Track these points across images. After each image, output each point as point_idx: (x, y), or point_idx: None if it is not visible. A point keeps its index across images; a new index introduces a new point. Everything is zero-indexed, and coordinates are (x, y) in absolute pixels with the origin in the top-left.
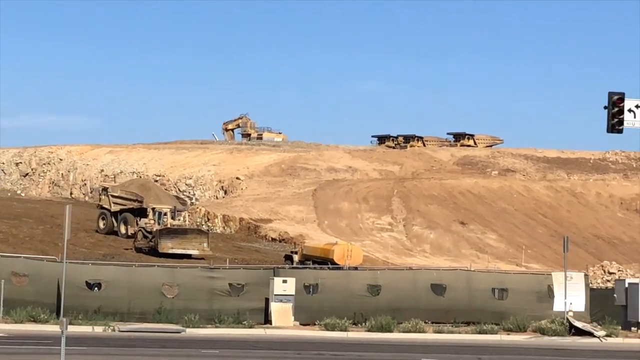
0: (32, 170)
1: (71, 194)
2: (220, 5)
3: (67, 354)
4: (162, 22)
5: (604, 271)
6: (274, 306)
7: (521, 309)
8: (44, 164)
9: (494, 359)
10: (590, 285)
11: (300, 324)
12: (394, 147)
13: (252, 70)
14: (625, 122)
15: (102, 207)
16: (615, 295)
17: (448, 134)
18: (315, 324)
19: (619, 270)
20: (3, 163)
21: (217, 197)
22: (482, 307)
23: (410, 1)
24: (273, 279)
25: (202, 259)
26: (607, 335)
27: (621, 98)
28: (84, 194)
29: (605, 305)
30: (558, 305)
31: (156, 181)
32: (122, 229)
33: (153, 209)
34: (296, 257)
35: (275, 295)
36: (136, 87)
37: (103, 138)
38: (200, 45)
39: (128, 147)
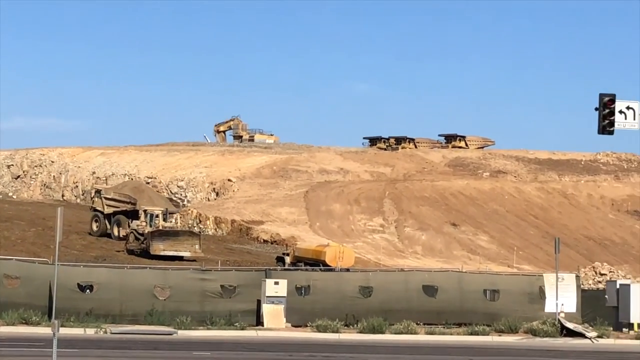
0: (23, 172)
1: (63, 196)
2: (212, 8)
3: (58, 356)
4: (155, 24)
5: (595, 272)
6: (265, 308)
7: (513, 310)
8: (36, 166)
9: None
10: (582, 286)
11: (292, 326)
12: (385, 149)
13: (244, 72)
14: (616, 124)
15: (95, 210)
16: (606, 296)
17: (439, 135)
18: (307, 326)
19: (610, 272)
20: None
21: (208, 199)
22: (473, 309)
23: (403, 3)
24: (265, 280)
25: (194, 260)
26: (598, 337)
27: (612, 99)
28: (75, 196)
29: (597, 307)
30: (549, 307)
31: (148, 183)
32: (116, 232)
33: (145, 211)
34: (288, 259)
35: (267, 297)
36: (128, 89)
37: (95, 140)
38: (191, 47)
39: (120, 149)
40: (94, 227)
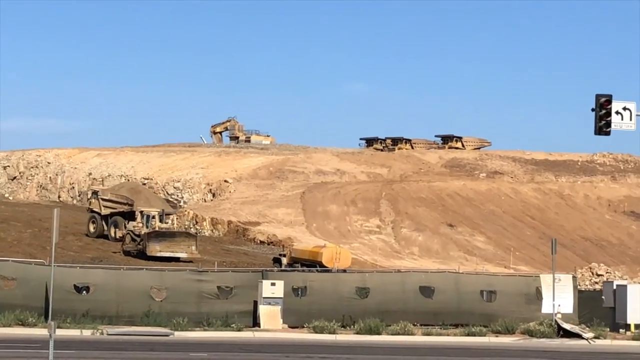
0: (20, 173)
1: (59, 197)
2: (208, 9)
3: (55, 357)
4: (152, 25)
5: (592, 273)
6: (262, 309)
7: (509, 311)
8: (32, 167)
9: None
10: (579, 287)
11: (289, 327)
12: (382, 150)
13: (240, 73)
14: (612, 124)
15: (92, 211)
16: (603, 297)
17: (436, 136)
18: (303, 327)
19: (607, 272)
20: None
21: (205, 200)
22: (470, 310)
23: (399, 3)
24: (261, 281)
25: (191, 262)
26: (595, 337)
27: (608, 100)
28: (72, 198)
29: (594, 307)
30: (546, 307)
31: (144, 184)
32: (113, 233)
33: (141, 212)
34: (285, 260)
35: (263, 298)
36: (124, 90)
37: (91, 141)
38: (187, 48)
39: (116, 150)
40: (91, 229)
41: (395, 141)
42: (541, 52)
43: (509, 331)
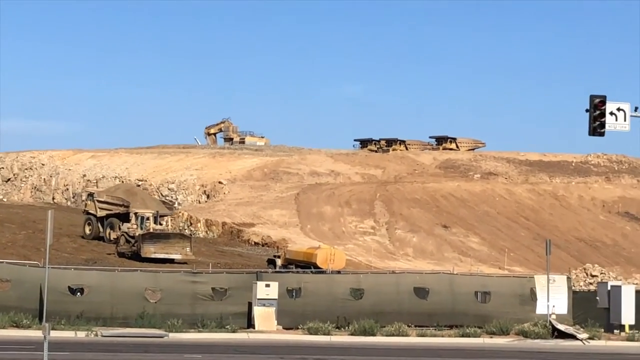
0: (14, 175)
1: (53, 199)
2: (202, 10)
3: (49, 359)
4: (146, 27)
5: (587, 274)
6: (257, 310)
7: (504, 312)
8: (26, 169)
9: None
10: (573, 288)
11: (284, 328)
12: (376, 151)
13: (235, 75)
14: (607, 125)
15: (88, 213)
16: (597, 297)
17: (430, 137)
18: (298, 328)
19: (601, 273)
20: None
21: (199, 202)
22: (465, 311)
23: (394, 5)
24: (256, 283)
25: (185, 263)
26: (589, 338)
27: (603, 101)
28: (66, 199)
29: (588, 308)
30: (541, 308)
31: (138, 186)
32: (109, 235)
33: (135, 213)
34: (279, 261)
35: (258, 299)
36: (118, 91)
37: (85, 143)
38: (181, 50)
39: (110, 151)
40: (87, 231)
41: (390, 142)
42: (535, 53)
43: (504, 332)
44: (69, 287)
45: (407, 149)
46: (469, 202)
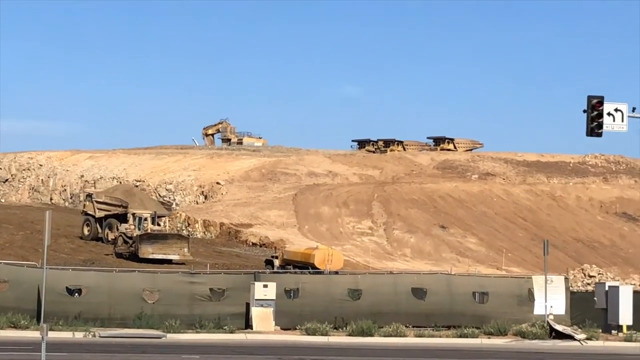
0: (11, 176)
1: (51, 199)
2: (200, 10)
3: (47, 359)
4: (143, 28)
5: (584, 274)
6: (254, 311)
7: (502, 313)
8: (24, 169)
9: None
10: (571, 288)
11: (281, 329)
12: (374, 152)
13: (232, 75)
14: (604, 126)
15: (86, 214)
16: (595, 298)
17: (428, 138)
18: (296, 329)
19: (599, 274)
20: None
21: (197, 202)
22: (462, 311)
23: (391, 6)
24: (254, 283)
25: (183, 264)
26: (587, 339)
27: (600, 101)
28: (64, 200)
29: (586, 309)
30: (538, 309)
31: (136, 186)
32: (108, 235)
33: (133, 214)
34: (277, 262)
35: (256, 300)
36: (116, 92)
37: (83, 144)
38: (179, 51)
39: (108, 152)
40: (86, 231)
41: (387, 143)
42: (533, 54)
43: (501, 333)
44: (66, 287)
45: (404, 149)
46: (466, 203)
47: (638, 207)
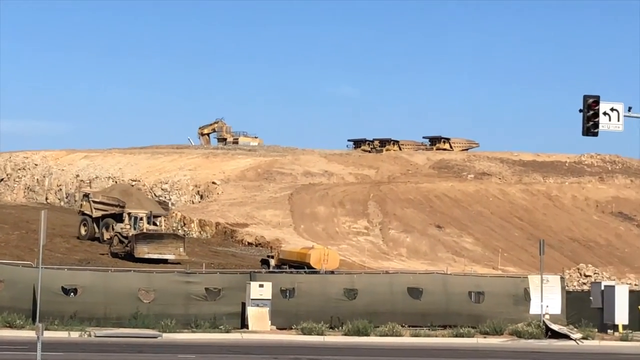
0: (7, 175)
1: (46, 199)
2: (195, 11)
3: (43, 359)
4: (138, 27)
5: (580, 274)
6: (250, 310)
7: (497, 312)
8: (19, 169)
9: None
10: (567, 288)
11: (277, 328)
12: (369, 151)
13: (228, 75)
14: (600, 125)
15: (83, 214)
16: (591, 298)
17: (424, 137)
18: (292, 328)
19: (595, 273)
20: None
21: (193, 202)
22: (458, 311)
23: (386, 6)
24: (249, 283)
25: (179, 263)
26: (583, 338)
27: (596, 101)
28: (59, 199)
29: (582, 308)
30: (534, 308)
31: (132, 186)
32: (104, 235)
33: (129, 213)
34: (272, 262)
35: (251, 299)
36: (111, 91)
37: (78, 143)
38: (175, 49)
39: (103, 152)
40: (82, 231)
41: (383, 142)
42: (529, 54)
43: (497, 332)
44: (62, 287)
45: (400, 149)
46: (462, 203)
47: (634, 207)
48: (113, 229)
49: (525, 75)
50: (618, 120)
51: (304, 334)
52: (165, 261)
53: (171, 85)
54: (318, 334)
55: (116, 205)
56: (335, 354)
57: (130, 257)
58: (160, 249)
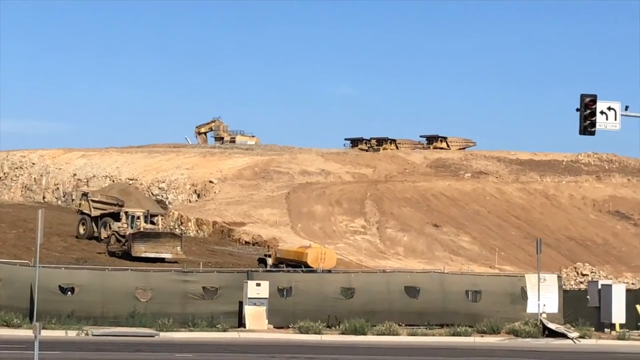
0: (4, 174)
1: (44, 198)
2: (193, 9)
3: (40, 358)
4: (136, 27)
5: (577, 273)
6: (247, 309)
7: (495, 311)
8: (17, 168)
9: None
10: (564, 286)
11: (274, 327)
12: (367, 150)
13: (225, 74)
14: (597, 124)
15: (82, 213)
16: (588, 296)
17: (421, 136)
18: (289, 327)
19: (591, 272)
20: None
21: (190, 201)
22: (455, 310)
23: (384, 5)
24: (247, 282)
25: (176, 262)
26: (580, 337)
27: (593, 100)
28: (56, 198)
29: (579, 307)
30: (531, 307)
31: (130, 185)
32: (103, 234)
33: (126, 212)
34: (270, 261)
35: (249, 298)
36: (109, 91)
37: (75, 142)
38: (173, 48)
39: (101, 151)
40: (81, 231)
41: (380, 141)
42: (526, 53)
43: (494, 331)
44: (59, 286)
45: (397, 148)
46: (459, 201)
47: (631, 206)
48: (111, 228)
49: (522, 75)
50: (615, 120)
51: (301, 332)
52: (162, 260)
53: (168, 85)
54: (315, 333)
55: (115, 204)
56: (332, 353)
57: (127, 256)
58: (157, 247)
